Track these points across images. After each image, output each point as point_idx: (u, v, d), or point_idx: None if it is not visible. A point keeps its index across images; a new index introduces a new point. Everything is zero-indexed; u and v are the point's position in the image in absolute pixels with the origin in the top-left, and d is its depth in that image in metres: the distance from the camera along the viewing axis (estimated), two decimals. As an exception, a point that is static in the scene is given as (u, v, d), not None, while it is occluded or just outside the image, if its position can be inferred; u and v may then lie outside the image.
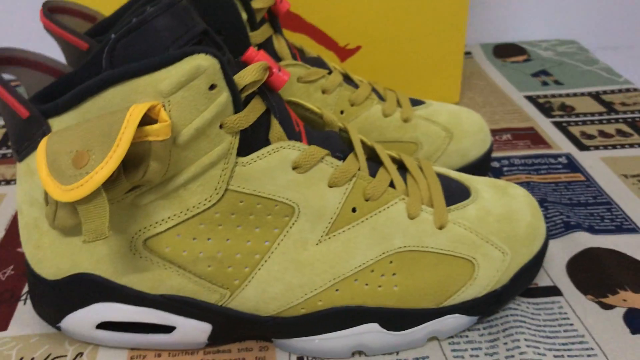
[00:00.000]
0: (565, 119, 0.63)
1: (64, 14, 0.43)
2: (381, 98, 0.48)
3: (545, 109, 0.66)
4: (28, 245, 0.34)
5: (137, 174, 0.29)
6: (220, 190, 0.32)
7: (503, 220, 0.37)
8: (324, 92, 0.46)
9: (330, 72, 0.47)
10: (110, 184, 0.29)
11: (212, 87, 0.29)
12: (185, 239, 0.32)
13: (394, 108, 0.47)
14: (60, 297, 0.34)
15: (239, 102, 0.31)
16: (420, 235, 0.35)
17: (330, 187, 0.33)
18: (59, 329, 0.36)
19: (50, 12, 0.42)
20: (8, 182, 0.55)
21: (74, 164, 0.27)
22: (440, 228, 0.35)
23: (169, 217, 0.32)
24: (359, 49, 0.62)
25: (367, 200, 0.34)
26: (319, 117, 0.38)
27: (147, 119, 0.28)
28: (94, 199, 0.28)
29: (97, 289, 0.34)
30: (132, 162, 0.29)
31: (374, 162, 0.38)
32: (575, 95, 0.69)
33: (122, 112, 0.28)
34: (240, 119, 0.31)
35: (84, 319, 0.35)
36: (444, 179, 0.39)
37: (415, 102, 0.50)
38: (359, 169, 0.35)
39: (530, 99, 0.68)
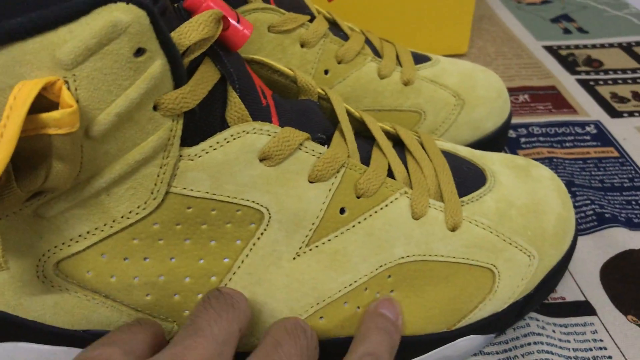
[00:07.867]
0: (593, 76, 0.54)
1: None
2: (377, 53, 0.39)
3: (569, 63, 0.56)
4: None
5: (35, 180, 0.20)
6: (158, 195, 0.23)
7: (528, 214, 0.29)
8: (303, 45, 0.36)
9: (312, 19, 0.37)
10: (-6, 194, 0.20)
11: (139, 51, 0.20)
12: (113, 260, 0.23)
13: (392, 67, 0.38)
14: (-52, 332, 0.26)
15: (180, 72, 0.21)
16: (427, 241, 0.27)
17: (312, 182, 0.25)
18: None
19: None
20: None
21: None
22: (453, 229, 0.27)
23: (88, 232, 0.23)
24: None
25: (359, 198, 0.26)
26: (291, 80, 0.29)
27: (44, 103, 0.19)
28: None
29: (-4, 326, 0.25)
30: (27, 162, 0.20)
31: (362, 139, 0.29)
32: (602, 46, 0.59)
33: (1, 93, 0.18)
34: (184, 96, 0.22)
35: (-18, 362, 0.26)
36: (452, 160, 0.30)
37: (419, 59, 0.40)
38: (348, 156, 0.26)
39: (550, 49, 0.59)
